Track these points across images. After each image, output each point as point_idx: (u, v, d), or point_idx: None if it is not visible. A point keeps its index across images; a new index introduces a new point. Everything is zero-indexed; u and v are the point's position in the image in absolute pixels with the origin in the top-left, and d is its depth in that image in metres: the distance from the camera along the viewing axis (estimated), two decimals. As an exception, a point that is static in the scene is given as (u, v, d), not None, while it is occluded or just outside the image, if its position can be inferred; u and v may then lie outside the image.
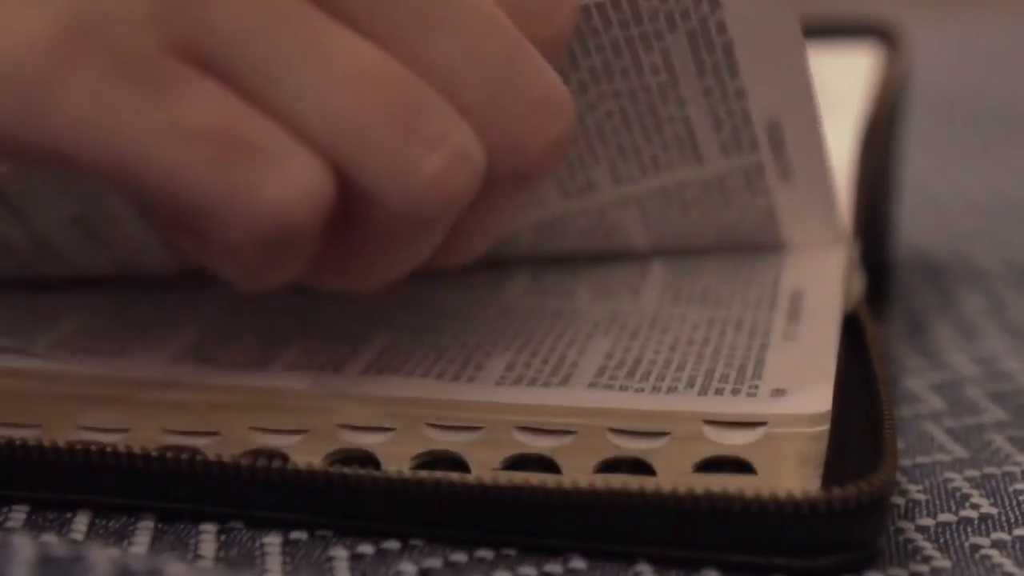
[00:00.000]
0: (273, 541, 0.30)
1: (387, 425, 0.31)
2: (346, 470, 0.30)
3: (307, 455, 0.31)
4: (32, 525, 0.31)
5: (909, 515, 0.31)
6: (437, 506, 0.30)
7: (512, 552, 0.30)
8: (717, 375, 0.31)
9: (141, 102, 0.26)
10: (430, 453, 0.31)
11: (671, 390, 0.31)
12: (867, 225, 0.39)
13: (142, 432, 0.31)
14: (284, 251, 0.27)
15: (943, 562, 0.30)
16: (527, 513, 0.29)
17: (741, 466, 0.29)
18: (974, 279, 0.45)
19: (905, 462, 0.34)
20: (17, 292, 0.36)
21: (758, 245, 0.37)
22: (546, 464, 0.30)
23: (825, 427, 0.30)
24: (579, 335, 0.34)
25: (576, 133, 0.33)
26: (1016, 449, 0.34)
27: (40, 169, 0.31)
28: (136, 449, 0.31)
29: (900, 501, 0.32)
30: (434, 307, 0.35)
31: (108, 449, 0.31)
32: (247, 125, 0.26)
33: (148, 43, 0.26)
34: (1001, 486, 0.33)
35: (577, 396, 0.31)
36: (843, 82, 0.45)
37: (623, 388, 0.31)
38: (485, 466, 0.30)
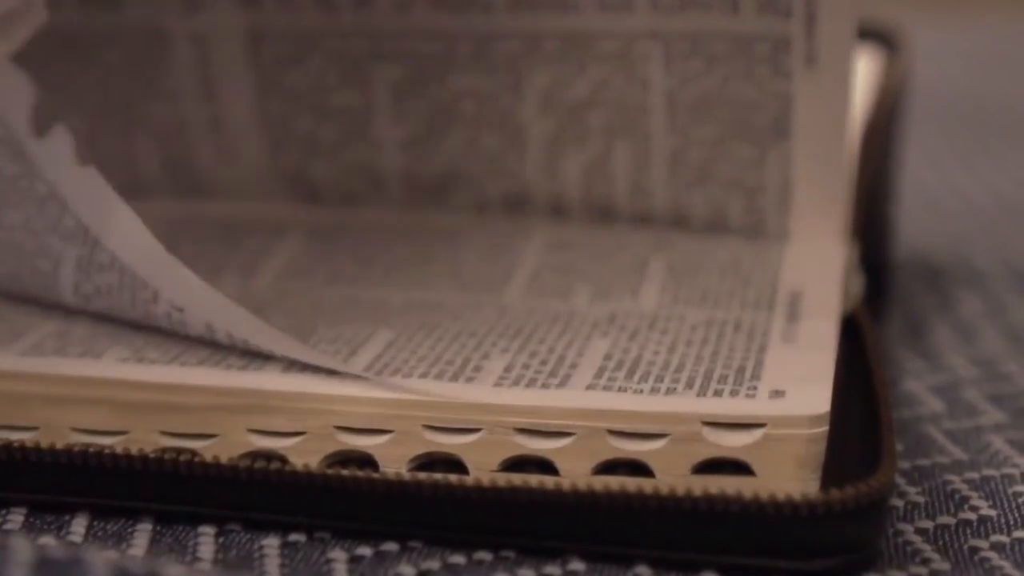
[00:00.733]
0: (271, 543, 0.30)
1: (385, 427, 0.31)
2: (344, 472, 0.30)
3: (305, 457, 0.31)
4: (30, 527, 0.31)
5: (908, 517, 0.31)
6: (435, 508, 0.29)
7: (511, 554, 0.30)
8: (716, 376, 0.31)
9: None
10: (428, 455, 0.31)
11: (670, 391, 0.31)
12: (866, 226, 0.39)
13: (140, 434, 0.31)
14: None
15: (942, 564, 0.30)
16: (526, 515, 0.29)
17: (740, 467, 0.29)
18: (973, 281, 0.45)
19: (904, 464, 0.34)
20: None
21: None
22: (544, 466, 0.30)
23: (824, 429, 0.29)
24: (578, 336, 0.33)
25: None
26: (1015, 451, 0.34)
27: None
28: (134, 451, 0.31)
29: (899, 503, 0.32)
30: (432, 308, 0.35)
31: (106, 451, 0.31)
32: None
33: None
34: (1000, 488, 0.33)
35: (576, 397, 0.31)
36: None
37: (622, 389, 0.31)
38: (483, 468, 0.30)
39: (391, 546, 0.30)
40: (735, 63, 0.36)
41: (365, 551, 0.30)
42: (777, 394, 0.30)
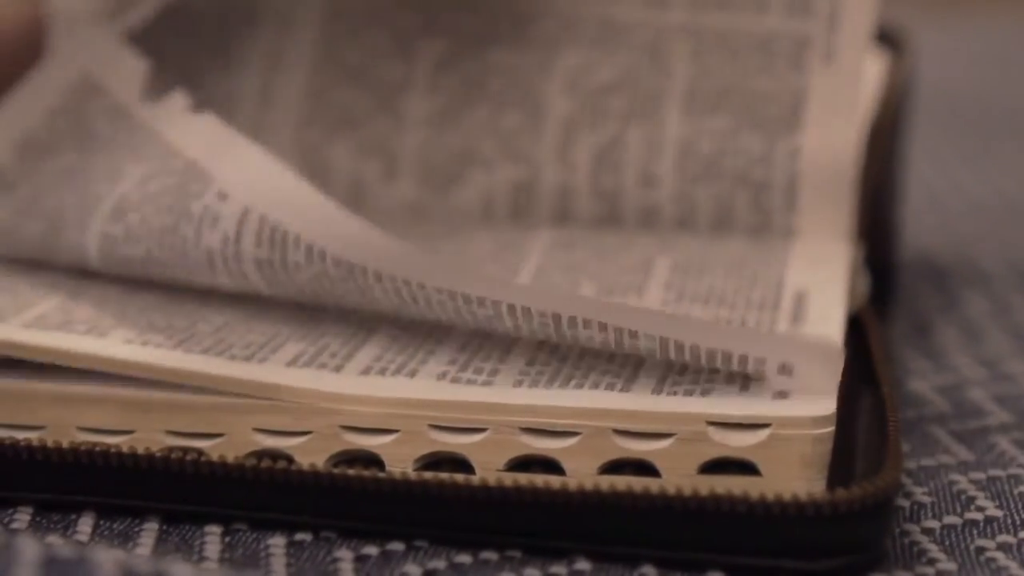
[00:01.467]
0: (277, 543, 0.30)
1: (391, 427, 0.31)
2: (350, 472, 0.30)
3: (311, 456, 0.31)
4: (36, 527, 0.31)
5: (914, 517, 0.31)
6: (441, 508, 0.30)
7: (516, 554, 0.30)
8: (722, 376, 0.31)
9: None
10: (434, 454, 0.31)
11: (675, 391, 0.31)
12: (871, 227, 0.39)
13: (146, 433, 0.31)
14: None
15: (948, 565, 0.30)
16: (531, 515, 0.29)
17: (746, 468, 0.29)
18: (978, 281, 0.45)
19: (910, 464, 0.34)
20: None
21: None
22: (550, 465, 0.30)
23: (830, 429, 0.29)
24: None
25: None
26: (1021, 451, 0.34)
27: None
28: (140, 451, 0.31)
29: (905, 503, 0.32)
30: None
31: (112, 451, 0.31)
32: None
33: None
34: (1006, 488, 0.33)
35: (582, 397, 0.31)
36: None
37: (627, 389, 0.31)
38: (489, 467, 0.30)
39: (397, 545, 0.30)
40: (756, 57, 0.38)
41: (371, 550, 0.30)
42: (783, 394, 0.30)
